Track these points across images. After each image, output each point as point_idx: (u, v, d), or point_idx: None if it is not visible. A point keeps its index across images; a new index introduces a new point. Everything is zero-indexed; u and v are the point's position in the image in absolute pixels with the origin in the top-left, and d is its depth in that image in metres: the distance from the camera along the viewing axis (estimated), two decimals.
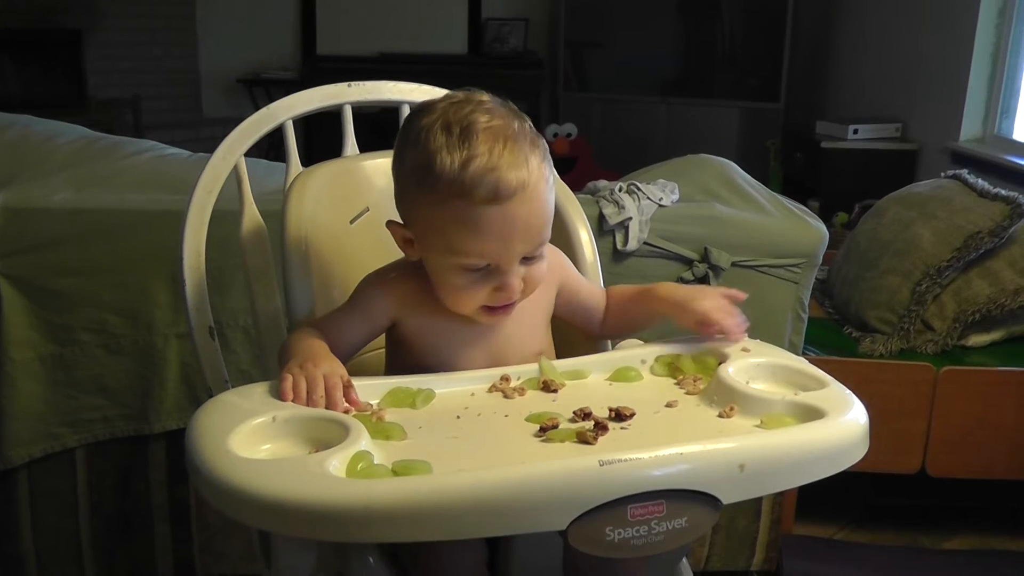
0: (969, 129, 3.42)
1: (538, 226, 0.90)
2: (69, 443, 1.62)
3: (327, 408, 0.84)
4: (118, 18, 4.82)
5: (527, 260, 0.92)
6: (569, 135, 4.68)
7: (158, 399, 1.61)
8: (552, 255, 1.00)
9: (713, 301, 0.98)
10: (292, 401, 0.84)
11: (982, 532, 2.10)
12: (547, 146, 0.93)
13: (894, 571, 1.88)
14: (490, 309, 0.94)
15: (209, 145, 1.16)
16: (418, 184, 0.88)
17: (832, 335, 2.16)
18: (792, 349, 1.73)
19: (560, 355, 1.03)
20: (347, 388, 0.86)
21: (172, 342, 1.59)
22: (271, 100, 1.14)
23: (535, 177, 0.88)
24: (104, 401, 1.62)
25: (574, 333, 1.10)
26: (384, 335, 1.01)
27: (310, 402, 0.84)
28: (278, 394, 0.85)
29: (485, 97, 0.91)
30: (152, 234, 1.55)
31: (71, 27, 4.65)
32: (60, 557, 1.68)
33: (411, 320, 0.97)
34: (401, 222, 0.95)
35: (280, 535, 0.84)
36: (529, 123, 0.92)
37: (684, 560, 1.06)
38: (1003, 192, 2.14)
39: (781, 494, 1.82)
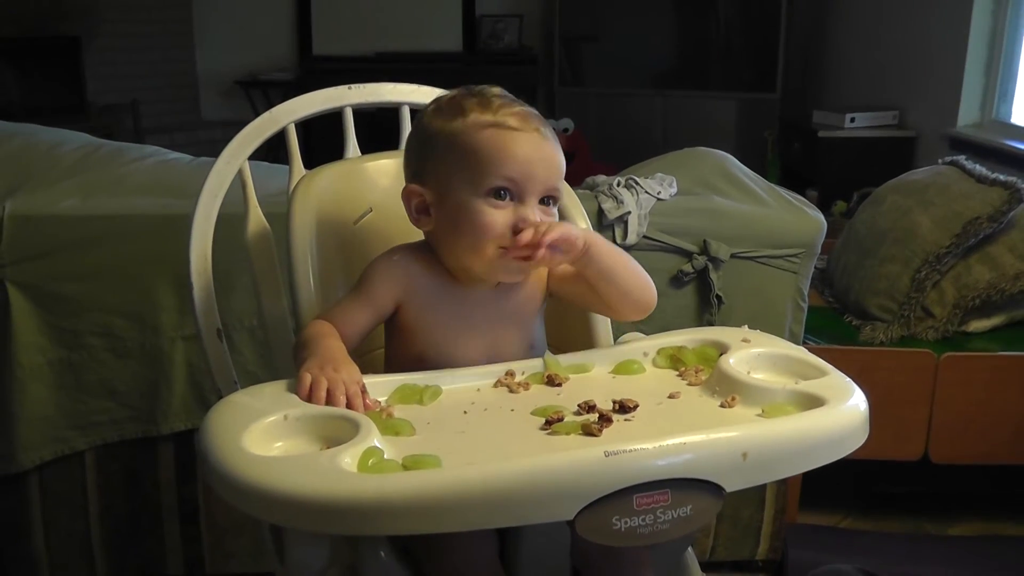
0: (967, 114, 3.42)
1: (557, 168, 0.96)
2: (79, 446, 1.63)
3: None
4: (116, 24, 4.83)
5: (543, 204, 0.96)
6: (566, 130, 4.68)
7: (166, 401, 1.62)
8: None
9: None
10: (311, 402, 0.86)
11: (986, 518, 2.11)
12: None
13: (899, 558, 1.89)
14: (509, 256, 0.94)
15: (208, 147, 1.17)
16: (447, 132, 0.95)
17: (833, 324, 2.17)
18: (792, 339, 1.74)
19: (562, 350, 1.05)
20: (363, 393, 0.88)
21: (179, 344, 1.61)
22: (269, 102, 1.16)
23: (551, 132, 0.97)
24: (112, 404, 1.63)
25: (574, 328, 1.12)
26: (384, 328, 1.03)
27: (331, 402, 0.86)
28: (296, 391, 0.87)
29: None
30: (157, 238, 1.56)
31: (69, 34, 4.66)
32: (71, 558, 1.70)
33: (413, 303, 0.99)
34: (420, 189, 0.98)
35: (294, 530, 0.85)
36: None
37: (689, 550, 1.08)
38: (1001, 177, 2.14)
39: (785, 484, 1.83)
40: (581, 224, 1.16)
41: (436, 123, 0.97)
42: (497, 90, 0.98)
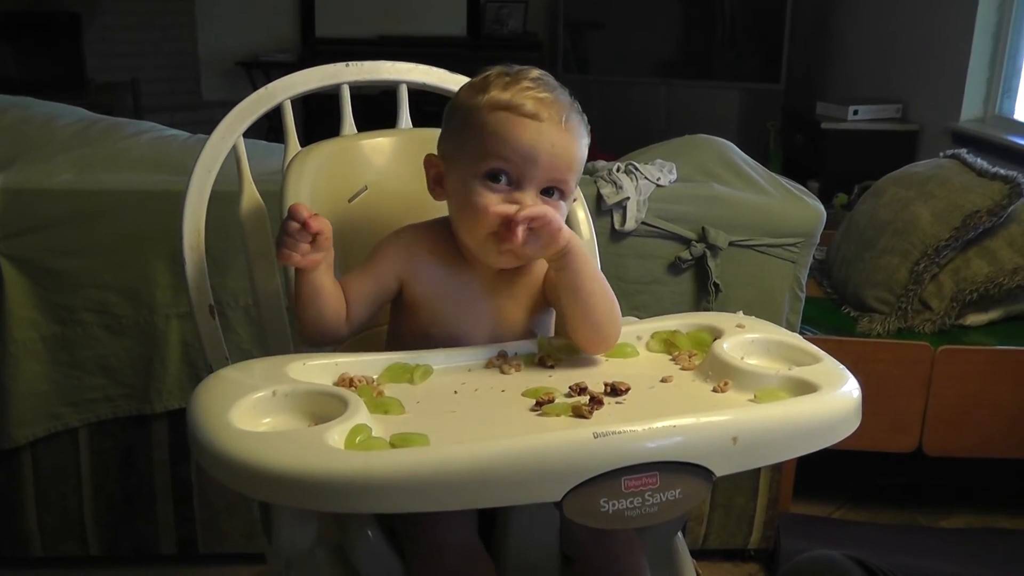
0: (970, 109, 3.41)
1: (565, 160, 0.94)
2: (72, 423, 1.63)
3: (288, 237, 0.91)
4: (117, 1, 4.81)
5: (546, 195, 0.94)
6: None
7: (160, 379, 1.62)
8: None
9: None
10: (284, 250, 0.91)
11: (979, 510, 2.11)
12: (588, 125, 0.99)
13: (891, 549, 1.90)
14: (500, 238, 0.92)
15: (208, 128, 1.16)
16: (466, 108, 0.95)
17: (830, 315, 2.17)
18: (789, 328, 1.73)
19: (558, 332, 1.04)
20: (318, 240, 0.92)
21: (173, 322, 1.60)
22: (270, 83, 1.14)
23: (574, 124, 0.95)
24: (106, 381, 1.63)
25: None
26: (391, 305, 1.02)
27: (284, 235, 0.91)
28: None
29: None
30: (152, 214, 1.56)
31: (70, 10, 4.65)
32: (64, 535, 1.70)
33: (417, 281, 0.98)
34: (438, 160, 0.99)
35: (280, 507, 0.85)
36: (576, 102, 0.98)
37: (680, 536, 1.08)
38: (1002, 171, 2.14)
39: (778, 473, 1.83)
40: (579, 212, 1.16)
41: (461, 96, 0.97)
42: (536, 73, 0.96)
